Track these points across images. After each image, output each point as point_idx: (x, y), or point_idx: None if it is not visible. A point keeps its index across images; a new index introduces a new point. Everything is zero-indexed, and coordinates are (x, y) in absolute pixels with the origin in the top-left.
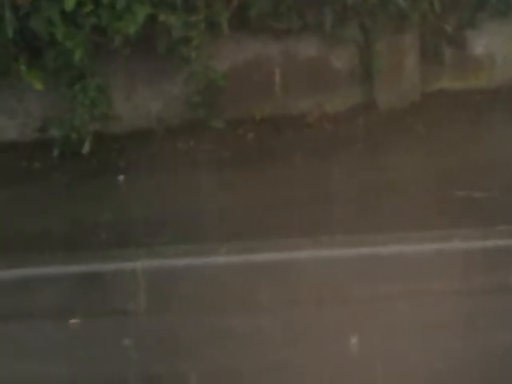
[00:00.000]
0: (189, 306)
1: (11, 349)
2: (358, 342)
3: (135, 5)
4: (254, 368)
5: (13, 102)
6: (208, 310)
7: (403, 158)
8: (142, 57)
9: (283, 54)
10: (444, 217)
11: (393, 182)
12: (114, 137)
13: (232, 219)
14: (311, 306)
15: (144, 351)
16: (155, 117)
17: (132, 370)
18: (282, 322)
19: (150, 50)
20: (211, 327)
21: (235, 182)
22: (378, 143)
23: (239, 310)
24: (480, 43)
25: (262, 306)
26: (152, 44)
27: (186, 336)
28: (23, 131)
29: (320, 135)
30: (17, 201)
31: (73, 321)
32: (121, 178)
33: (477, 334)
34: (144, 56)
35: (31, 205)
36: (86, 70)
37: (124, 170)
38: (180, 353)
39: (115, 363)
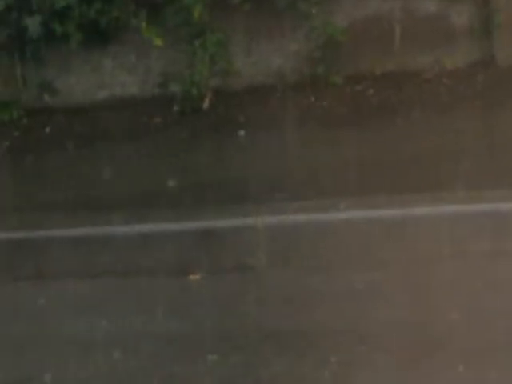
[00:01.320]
0: (308, 261)
1: (132, 305)
2: (478, 298)
3: None
4: (373, 325)
5: (133, 58)
6: (327, 265)
7: None
8: (261, 13)
9: (403, 10)
10: None
11: None
12: (234, 92)
13: (351, 175)
14: (431, 262)
15: (264, 307)
16: (275, 72)
17: (251, 326)
18: (401, 277)
19: (270, 6)
20: (330, 283)
21: (355, 137)
22: (496, 99)
23: (358, 266)
24: None
25: (381, 261)
26: (271, 0)
27: (305, 292)
28: (143, 87)
29: (439, 91)
30: (137, 156)
31: (193, 277)
32: (241, 133)
33: None
34: (263, 12)
35: (151, 160)
36: (205, 25)
37: (243, 125)
38: (300, 309)
39: (235, 319)
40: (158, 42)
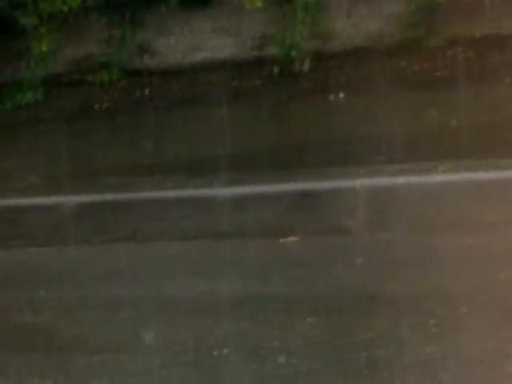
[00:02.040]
0: (407, 223)
1: (229, 267)
2: None
3: None
4: (472, 287)
5: (232, 20)
6: (426, 228)
7: None
8: None
9: None
10: None
11: None
12: (333, 55)
13: (450, 138)
14: None
15: (361, 270)
16: (374, 35)
17: (348, 288)
18: (501, 239)
19: None
20: (429, 245)
21: (455, 100)
22: None
23: (457, 228)
24: None
25: (479, 223)
26: None
27: (403, 254)
28: (242, 49)
29: None
30: (235, 119)
31: (290, 239)
32: (340, 95)
33: None
34: None
35: (249, 123)
36: None
37: (343, 87)
38: (397, 271)
39: (332, 282)
40: (258, 3)
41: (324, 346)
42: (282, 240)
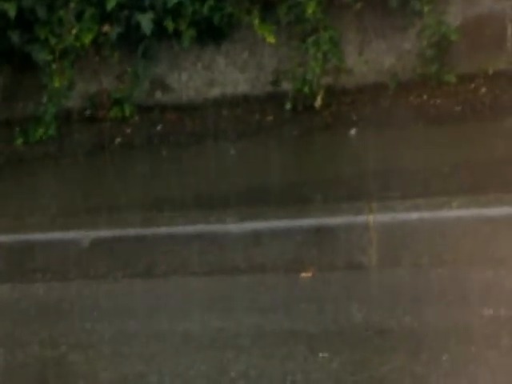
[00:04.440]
0: (420, 260)
1: (244, 303)
2: None
3: None
4: (486, 324)
5: (245, 56)
6: (439, 264)
7: None
8: (373, 11)
9: None
10: None
11: None
12: (346, 91)
13: (462, 174)
14: None
15: (375, 305)
16: (387, 71)
17: (362, 324)
18: None
19: (382, 5)
20: (442, 281)
21: (467, 136)
22: None
23: (471, 264)
24: None
25: (494, 259)
26: None
27: (417, 290)
28: (255, 85)
29: None
30: (248, 154)
31: (304, 274)
32: (352, 131)
33: None
34: (376, 10)
35: (262, 158)
36: (318, 23)
37: (356, 123)
38: (411, 307)
39: (346, 317)
40: (271, 39)
41: (339, 381)
42: (296, 276)
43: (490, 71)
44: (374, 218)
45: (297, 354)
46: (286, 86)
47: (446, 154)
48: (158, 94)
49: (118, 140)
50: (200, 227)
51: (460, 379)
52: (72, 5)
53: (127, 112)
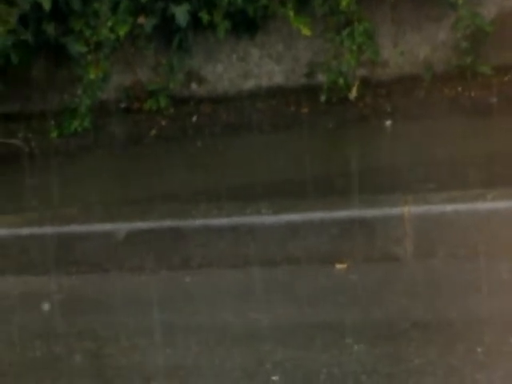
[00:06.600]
0: (456, 251)
1: (280, 295)
2: None
3: None
4: None
5: (280, 48)
6: (475, 255)
7: None
8: (407, 3)
9: None
10: None
11: None
12: (381, 82)
13: (497, 166)
14: None
15: (410, 297)
16: (422, 62)
17: (397, 316)
18: None
19: None
20: (478, 273)
21: (502, 128)
22: None
23: (507, 256)
24: None
25: None
26: None
27: (453, 282)
28: (290, 76)
29: None
30: (284, 146)
31: (340, 266)
32: (388, 123)
33: None
34: (410, 2)
35: (298, 150)
36: (353, 15)
37: (391, 115)
38: (447, 299)
39: (381, 309)
40: (306, 31)
41: (374, 373)
42: (332, 267)
43: None
44: (410, 209)
45: (332, 346)
46: (321, 77)
47: (481, 146)
48: (193, 86)
49: (153, 132)
50: (235, 219)
51: (497, 371)
52: None
53: (162, 104)
